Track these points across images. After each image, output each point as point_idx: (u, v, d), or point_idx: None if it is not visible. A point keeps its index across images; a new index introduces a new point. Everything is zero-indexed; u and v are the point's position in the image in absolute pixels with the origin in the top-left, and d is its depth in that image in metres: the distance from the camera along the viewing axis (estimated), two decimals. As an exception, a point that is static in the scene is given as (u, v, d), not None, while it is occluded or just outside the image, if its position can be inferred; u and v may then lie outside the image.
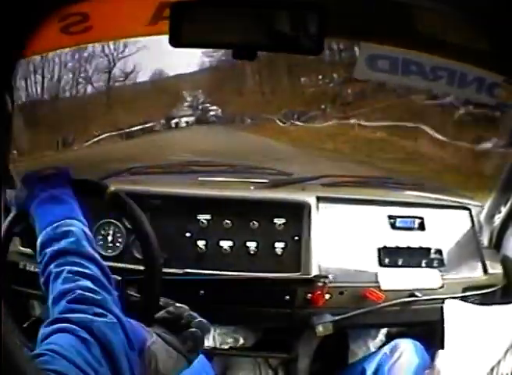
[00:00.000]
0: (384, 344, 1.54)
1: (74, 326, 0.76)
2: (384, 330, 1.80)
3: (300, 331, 1.62)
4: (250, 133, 8.51)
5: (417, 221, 1.66)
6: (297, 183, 1.84)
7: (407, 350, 1.37)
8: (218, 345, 1.65)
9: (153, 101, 9.37)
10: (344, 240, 1.62)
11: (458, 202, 1.76)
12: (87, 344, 0.74)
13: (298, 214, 1.60)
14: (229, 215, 1.59)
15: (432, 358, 1.30)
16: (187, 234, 1.58)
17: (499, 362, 1.10)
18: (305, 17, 0.92)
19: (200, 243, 1.57)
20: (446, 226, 1.68)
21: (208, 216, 1.59)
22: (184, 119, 9.10)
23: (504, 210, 1.63)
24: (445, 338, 1.27)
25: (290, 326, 1.63)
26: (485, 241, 1.69)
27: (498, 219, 1.67)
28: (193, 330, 1.05)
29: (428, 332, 1.55)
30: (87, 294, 0.82)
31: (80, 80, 9.20)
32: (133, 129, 8.56)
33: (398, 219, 1.66)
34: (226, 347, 1.66)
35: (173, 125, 9.06)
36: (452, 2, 0.80)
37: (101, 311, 0.80)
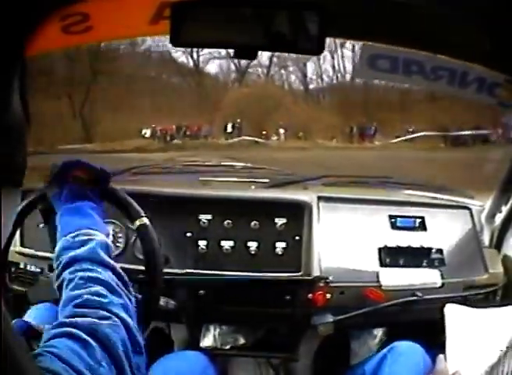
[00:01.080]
0: (384, 344, 1.54)
1: (76, 331, 0.77)
2: (385, 330, 1.80)
3: (301, 331, 1.62)
4: None
5: (418, 221, 1.66)
6: (298, 182, 1.84)
7: (407, 352, 1.36)
8: (219, 345, 1.65)
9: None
10: (345, 239, 1.62)
11: (459, 202, 1.76)
12: (86, 346, 0.75)
13: (299, 214, 1.60)
14: (229, 215, 1.59)
15: (434, 360, 1.30)
16: (188, 234, 1.58)
17: (499, 363, 1.10)
18: (305, 17, 0.92)
19: (201, 243, 1.57)
20: (446, 226, 1.68)
21: (208, 216, 1.59)
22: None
23: (505, 210, 1.63)
24: (446, 342, 1.27)
25: (291, 326, 1.63)
26: (485, 240, 1.69)
27: (499, 218, 1.66)
28: None
29: (429, 333, 1.55)
30: (94, 298, 0.84)
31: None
32: (459, 133, 6.53)
33: (399, 219, 1.66)
34: (227, 347, 1.66)
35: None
36: (452, 2, 0.80)
37: (106, 314, 0.82)
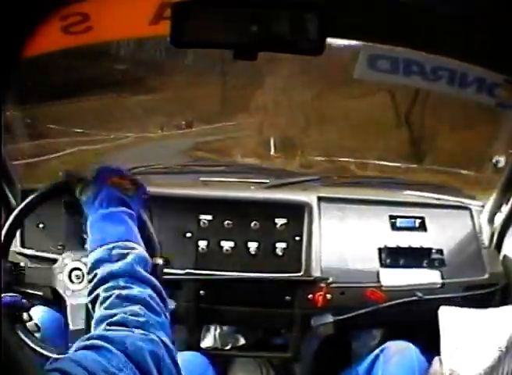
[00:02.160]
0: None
1: (101, 342, 0.73)
2: (385, 331, 1.80)
3: (301, 331, 1.62)
4: None
5: (418, 221, 1.66)
6: (298, 183, 1.84)
7: (400, 352, 1.36)
8: (219, 346, 1.65)
9: None
10: (345, 240, 1.62)
11: (459, 202, 1.75)
12: (106, 353, 0.72)
13: (299, 214, 1.60)
14: (230, 215, 1.59)
15: (430, 361, 1.30)
16: (188, 235, 1.58)
17: (498, 364, 1.09)
18: (305, 17, 0.93)
19: (202, 243, 1.57)
20: (446, 226, 1.67)
21: (209, 217, 1.59)
22: None
23: (505, 210, 1.63)
24: (441, 343, 1.27)
25: (291, 327, 1.63)
26: (485, 240, 1.69)
27: (499, 219, 1.66)
28: None
29: (430, 333, 1.55)
30: (130, 317, 0.80)
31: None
32: None
33: (399, 220, 1.66)
34: (227, 347, 1.66)
35: None
36: (452, 2, 0.80)
37: (142, 332, 0.78)
